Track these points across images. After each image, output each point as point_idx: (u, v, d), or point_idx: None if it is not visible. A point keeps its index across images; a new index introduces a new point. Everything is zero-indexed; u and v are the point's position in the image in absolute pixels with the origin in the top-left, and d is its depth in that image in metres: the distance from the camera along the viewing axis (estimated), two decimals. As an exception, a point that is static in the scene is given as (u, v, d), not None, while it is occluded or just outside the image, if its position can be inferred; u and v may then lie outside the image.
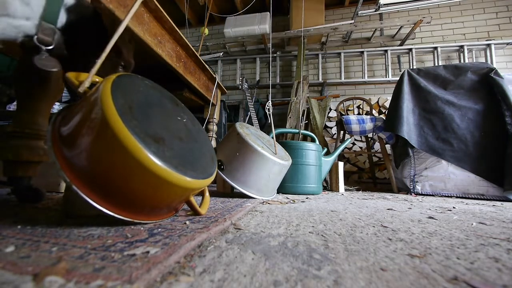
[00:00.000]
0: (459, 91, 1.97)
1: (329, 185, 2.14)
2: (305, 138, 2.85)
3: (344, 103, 3.06)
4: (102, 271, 0.29)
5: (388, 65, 3.23)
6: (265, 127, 3.32)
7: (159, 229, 0.49)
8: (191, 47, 1.26)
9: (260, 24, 3.32)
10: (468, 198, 1.83)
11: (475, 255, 0.44)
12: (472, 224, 0.76)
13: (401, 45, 3.33)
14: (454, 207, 1.21)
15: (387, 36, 3.40)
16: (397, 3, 2.87)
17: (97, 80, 0.57)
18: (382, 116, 3.02)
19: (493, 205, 1.41)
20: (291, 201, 1.19)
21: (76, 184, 0.46)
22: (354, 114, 3.12)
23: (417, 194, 1.97)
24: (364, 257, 0.40)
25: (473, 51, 3.07)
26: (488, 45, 3.00)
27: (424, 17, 2.96)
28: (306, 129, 3.04)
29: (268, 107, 1.32)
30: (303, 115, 2.95)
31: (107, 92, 0.48)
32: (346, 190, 2.16)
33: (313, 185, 1.69)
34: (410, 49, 3.18)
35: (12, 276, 0.27)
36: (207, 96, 1.72)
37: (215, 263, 0.35)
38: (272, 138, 1.35)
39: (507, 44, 2.98)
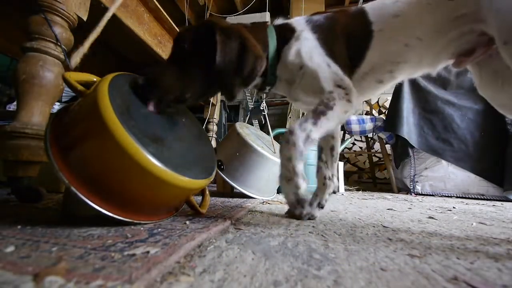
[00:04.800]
0: (459, 91, 1.97)
1: (329, 185, 2.14)
2: (305, 138, 2.85)
3: (344, 103, 3.05)
4: (102, 271, 0.29)
5: (388, 65, 3.22)
6: (265, 127, 3.32)
7: (159, 229, 0.49)
8: (191, 47, 1.26)
9: (260, 24, 3.32)
10: (468, 198, 1.83)
11: (475, 255, 0.44)
12: (472, 224, 0.76)
13: (401, 45, 3.32)
14: (454, 207, 1.21)
15: (387, 36, 3.40)
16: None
17: (94, 79, 0.57)
18: (382, 116, 3.02)
19: (493, 205, 1.41)
20: (291, 201, 1.18)
21: (75, 185, 0.46)
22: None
23: (417, 194, 1.97)
24: (364, 257, 0.40)
25: (473, 51, 3.06)
26: (488, 45, 2.99)
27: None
28: (306, 129, 3.03)
29: (262, 108, 1.33)
30: (303, 115, 2.95)
31: (104, 92, 0.48)
32: (346, 190, 2.16)
33: (313, 185, 1.69)
34: (410, 49, 3.18)
35: (12, 276, 0.27)
36: (207, 96, 1.71)
37: (215, 263, 0.35)
38: (273, 138, 1.35)
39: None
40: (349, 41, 0.67)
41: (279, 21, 0.72)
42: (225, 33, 0.57)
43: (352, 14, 0.71)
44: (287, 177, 0.58)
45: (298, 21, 0.70)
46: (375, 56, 0.66)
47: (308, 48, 0.64)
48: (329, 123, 0.60)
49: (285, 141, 0.59)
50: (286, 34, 0.68)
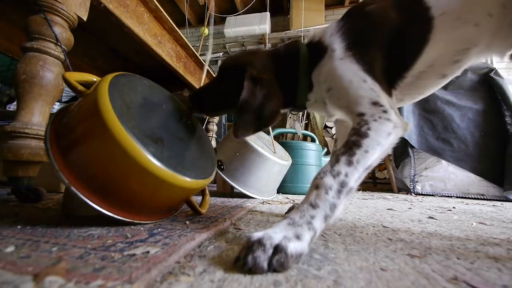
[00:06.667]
0: (459, 91, 1.97)
1: (329, 185, 2.14)
2: (305, 138, 2.85)
3: (344, 103, 3.05)
4: (102, 271, 0.29)
5: (388, 65, 3.22)
6: (265, 127, 3.31)
7: (159, 229, 0.49)
8: (191, 47, 1.26)
9: (260, 24, 3.32)
10: (468, 198, 1.83)
11: (475, 255, 0.44)
12: (472, 224, 0.76)
13: (401, 45, 3.32)
14: (454, 207, 1.21)
15: (387, 36, 3.40)
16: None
17: (94, 79, 0.57)
18: (382, 116, 3.02)
19: (493, 205, 1.41)
20: (291, 201, 1.19)
21: (75, 185, 0.46)
22: (354, 114, 3.11)
23: (417, 194, 1.97)
24: (364, 257, 0.40)
25: (473, 51, 3.06)
26: (488, 45, 2.99)
27: (424, 17, 2.95)
28: (306, 129, 3.04)
29: None
30: (303, 115, 2.95)
31: (104, 92, 0.48)
32: (346, 190, 2.16)
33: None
34: (410, 49, 3.18)
35: (12, 276, 0.27)
36: (207, 96, 1.71)
37: (215, 263, 0.35)
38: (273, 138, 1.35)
39: (507, 44, 2.97)
40: (400, 41, 0.55)
41: (317, 35, 0.62)
42: (253, 81, 0.59)
43: (403, 3, 0.57)
44: (294, 223, 0.39)
45: (332, 38, 0.58)
46: (437, 49, 0.54)
47: (339, 69, 0.54)
48: (370, 156, 0.44)
49: (314, 187, 0.43)
50: (318, 54, 0.59)
